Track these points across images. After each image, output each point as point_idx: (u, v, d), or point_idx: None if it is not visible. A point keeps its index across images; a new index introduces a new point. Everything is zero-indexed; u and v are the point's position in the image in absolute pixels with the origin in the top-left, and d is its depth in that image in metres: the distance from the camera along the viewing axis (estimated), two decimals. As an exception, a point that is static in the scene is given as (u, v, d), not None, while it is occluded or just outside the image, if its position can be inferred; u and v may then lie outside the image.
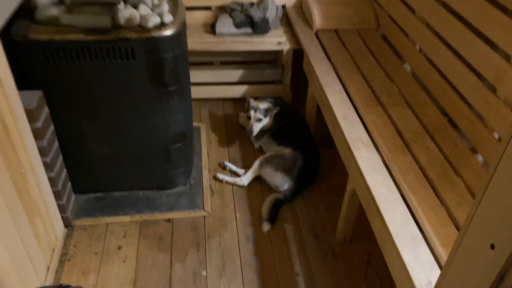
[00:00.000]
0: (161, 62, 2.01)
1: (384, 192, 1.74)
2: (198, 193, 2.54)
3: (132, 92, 2.08)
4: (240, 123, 3.10)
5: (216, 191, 2.57)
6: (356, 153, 1.93)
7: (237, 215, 2.43)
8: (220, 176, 2.62)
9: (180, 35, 2.03)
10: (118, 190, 2.51)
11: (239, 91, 3.26)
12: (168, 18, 1.98)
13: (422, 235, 1.58)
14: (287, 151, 2.60)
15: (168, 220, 2.37)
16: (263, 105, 2.74)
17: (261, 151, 2.86)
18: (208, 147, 2.90)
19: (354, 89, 2.37)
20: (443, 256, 1.51)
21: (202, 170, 2.70)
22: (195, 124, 3.03)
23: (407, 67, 2.71)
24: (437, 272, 1.45)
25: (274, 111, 2.73)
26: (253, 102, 2.77)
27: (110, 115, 2.15)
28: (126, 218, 2.37)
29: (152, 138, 2.28)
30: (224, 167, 2.71)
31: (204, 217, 2.40)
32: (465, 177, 1.83)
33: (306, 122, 2.86)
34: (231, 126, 3.10)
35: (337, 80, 2.45)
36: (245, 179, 2.59)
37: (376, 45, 2.78)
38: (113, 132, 2.22)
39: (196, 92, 3.21)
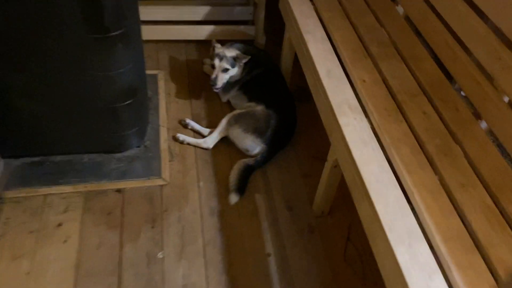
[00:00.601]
0: (97, 1, 1.56)
1: (374, 171, 1.43)
2: (155, 157, 2.18)
3: (62, 38, 1.63)
4: (205, 71, 2.69)
5: (176, 155, 2.21)
6: (342, 120, 1.59)
7: (201, 183, 2.10)
8: (181, 136, 2.26)
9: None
10: (59, 153, 2.12)
11: (204, 32, 2.80)
12: None
13: (420, 228, 1.29)
14: (259, 108, 2.23)
15: (118, 191, 2.03)
16: (231, 53, 2.32)
17: (229, 106, 2.49)
18: (167, 100, 2.50)
19: (339, 37, 1.98)
20: (445, 256, 1.24)
21: (159, 129, 2.32)
22: (151, 71, 2.61)
23: (399, 9, 2.32)
24: (438, 276, 1.19)
25: (244, 60, 2.32)
26: (219, 48, 2.35)
27: (37, 66, 1.71)
28: (68, 188, 2.01)
29: (93, 94, 1.86)
30: (185, 125, 2.34)
31: (161, 186, 2.06)
32: (468, 150, 1.53)
33: (281, 73, 2.47)
34: (194, 74, 2.69)
35: (320, 25, 2.05)
36: (210, 140, 2.23)
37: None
38: (42, 86, 1.79)
39: (153, 33, 2.75)
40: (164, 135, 2.29)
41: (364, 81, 1.77)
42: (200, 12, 2.86)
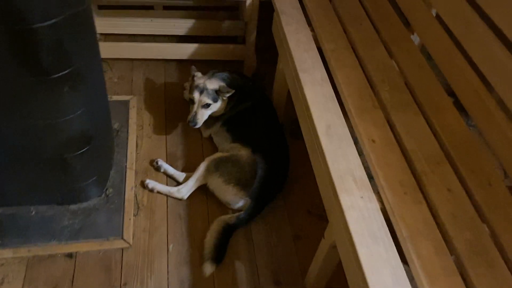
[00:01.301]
0: (29, 37, 1.19)
1: (386, 282, 1.07)
2: (117, 209, 1.82)
3: (-11, 83, 1.27)
4: (185, 98, 2.31)
5: (143, 207, 1.85)
6: (344, 200, 1.23)
7: (170, 247, 1.74)
8: (151, 183, 1.89)
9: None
10: (1, 205, 1.75)
11: (187, 50, 2.42)
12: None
13: None
14: (244, 153, 1.87)
15: (69, 255, 1.67)
16: (213, 84, 1.95)
17: (211, 143, 2.12)
18: (138, 134, 2.12)
19: (343, 78, 1.61)
20: None
21: (125, 172, 1.95)
22: (122, 97, 2.26)
23: (415, 38, 1.95)
24: None
25: (228, 94, 1.95)
26: (199, 79, 1.98)
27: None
28: (7, 253, 1.64)
29: (35, 145, 1.50)
30: (157, 168, 1.97)
31: (122, 250, 1.71)
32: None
33: (272, 107, 2.09)
34: (172, 101, 2.31)
35: (319, 61, 1.67)
36: (185, 190, 1.87)
37: (376, 5, 1.97)
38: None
39: (128, 50, 2.38)
40: (130, 180, 1.92)
41: (373, 141, 1.41)
42: (184, 26, 2.49)
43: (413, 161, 1.36)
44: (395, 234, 1.20)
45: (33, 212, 1.76)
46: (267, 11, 2.19)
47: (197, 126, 1.96)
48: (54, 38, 1.23)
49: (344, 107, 1.53)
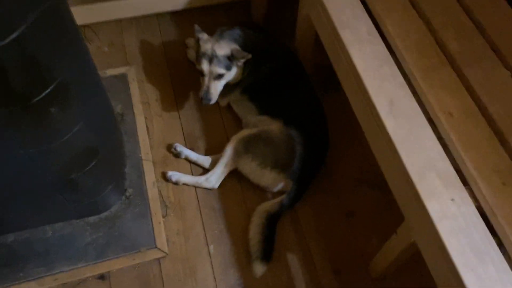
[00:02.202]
0: (-13, 61, 0.86)
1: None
2: (143, 213, 1.59)
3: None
4: (190, 59, 1.96)
5: (170, 204, 1.62)
6: (432, 207, 0.98)
7: (211, 248, 1.54)
8: (174, 176, 1.64)
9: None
10: (12, 230, 1.53)
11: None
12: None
13: None
14: (275, 127, 1.58)
15: (102, 277, 1.48)
16: (224, 49, 1.59)
17: (231, 113, 1.82)
18: (146, 114, 1.82)
19: (394, 27, 1.27)
20: None
21: (142, 165, 1.69)
22: (117, 70, 1.93)
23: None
24: None
25: (244, 59, 1.60)
26: (205, 43, 1.62)
27: None
28: (31, 285, 1.45)
29: (33, 172, 1.23)
30: (177, 155, 1.71)
31: (159, 260, 1.51)
32: None
33: (299, 63, 1.75)
34: (177, 65, 1.97)
35: (361, 7, 1.32)
36: (214, 178, 1.62)
37: None
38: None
39: (112, 10, 1.98)
40: (150, 174, 1.67)
41: (450, 114, 1.11)
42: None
43: (505, 134, 1.08)
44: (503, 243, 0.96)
45: (50, 233, 1.54)
46: None
47: (212, 102, 1.65)
48: (21, 55, 0.90)
49: (401, 67, 1.21)
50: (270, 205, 1.55)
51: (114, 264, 1.49)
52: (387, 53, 1.21)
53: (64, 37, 1.03)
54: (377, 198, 1.62)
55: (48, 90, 1.00)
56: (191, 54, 1.94)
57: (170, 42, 2.03)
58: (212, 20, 2.06)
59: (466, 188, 1.02)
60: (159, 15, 2.09)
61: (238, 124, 1.78)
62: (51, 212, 1.49)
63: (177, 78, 1.92)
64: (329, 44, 1.35)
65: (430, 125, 1.10)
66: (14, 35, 0.85)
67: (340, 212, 1.61)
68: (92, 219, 1.56)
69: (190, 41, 1.98)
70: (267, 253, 1.48)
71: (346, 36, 1.24)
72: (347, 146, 1.74)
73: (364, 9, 1.30)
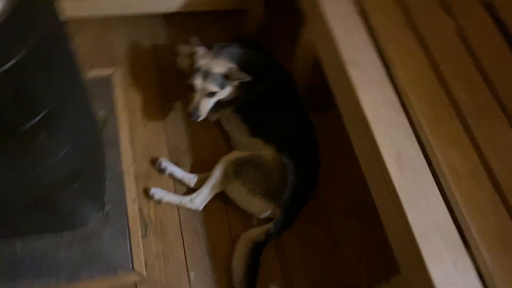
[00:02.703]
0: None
1: None
2: (121, 231, 1.51)
3: None
4: (179, 69, 1.87)
5: (151, 224, 1.54)
6: (434, 270, 0.96)
7: (191, 275, 1.48)
8: (157, 193, 1.56)
9: (26, 12, 0.74)
10: (-27, 241, 1.41)
11: (173, 1, 1.90)
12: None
13: None
14: (268, 152, 1.53)
15: (74, 300, 1.39)
16: (220, 67, 1.52)
17: (220, 129, 1.76)
18: (130, 123, 1.73)
19: (405, 72, 1.24)
20: None
21: (123, 179, 1.60)
22: (101, 71, 1.83)
23: None
24: None
25: (240, 80, 1.53)
26: (202, 58, 1.54)
27: None
28: (-6, 306, 1.35)
29: (11, 194, 1.12)
30: (161, 170, 1.63)
31: (136, 284, 1.44)
32: None
33: (295, 87, 1.69)
34: (165, 71, 1.87)
35: (371, 47, 1.27)
36: (199, 200, 1.55)
37: None
38: None
39: (100, 6, 1.85)
40: (131, 189, 1.58)
41: (456, 172, 1.09)
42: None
43: (508, 200, 1.07)
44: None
45: (19, 247, 1.43)
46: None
47: (200, 119, 1.58)
48: (12, 86, 0.80)
49: (408, 114, 1.18)
50: (256, 233, 1.50)
51: (88, 286, 1.41)
52: (396, 99, 1.18)
53: (60, 62, 0.94)
54: (363, 228, 1.61)
55: (37, 118, 0.90)
56: (181, 62, 1.85)
57: (159, 46, 1.93)
58: (205, 27, 1.98)
59: (468, 251, 1.01)
60: (150, 16, 1.98)
61: (227, 141, 1.72)
62: (23, 224, 1.38)
63: (165, 85, 1.83)
64: (335, 81, 1.31)
65: (435, 180, 1.08)
66: (7, 65, 0.76)
67: (326, 243, 1.59)
68: (66, 234, 1.47)
69: (181, 48, 1.88)
70: (250, 284, 1.44)
71: (356, 77, 1.20)
72: (335, 174, 1.71)
73: (375, 50, 1.26)
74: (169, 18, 1.98)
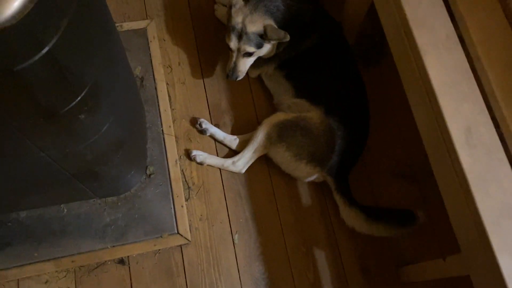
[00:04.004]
0: (15, 81, 0.69)
1: None
2: (164, 195, 1.49)
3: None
4: (218, 18, 1.74)
5: (194, 186, 1.52)
6: (504, 262, 0.89)
7: (235, 237, 1.47)
8: (199, 156, 1.52)
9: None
10: (25, 208, 1.43)
11: None
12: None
13: None
14: (314, 114, 1.43)
15: (121, 262, 1.41)
16: (256, 25, 1.38)
17: (262, 86, 1.66)
18: (167, 79, 1.65)
19: (478, 33, 1.08)
20: None
21: (164, 140, 1.56)
22: (134, 24, 1.72)
23: None
24: None
25: (278, 40, 1.40)
26: (236, 14, 1.40)
27: None
28: (49, 267, 1.39)
29: (55, 170, 1.09)
30: (202, 131, 1.57)
31: (181, 248, 1.44)
32: None
33: (345, 42, 1.55)
34: (202, 22, 1.75)
35: (441, 2, 1.11)
36: (242, 163, 1.50)
37: None
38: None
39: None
40: (172, 151, 1.54)
41: (532, 150, 0.98)
42: None
43: None
44: None
45: (65, 211, 1.44)
46: None
47: (239, 79, 1.48)
48: (52, 69, 0.73)
49: (482, 87, 1.05)
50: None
51: (133, 249, 1.42)
52: (467, 66, 1.04)
53: (98, 34, 0.85)
54: (414, 194, 1.54)
55: (78, 98, 0.84)
56: (220, 10, 1.72)
57: (195, -4, 1.79)
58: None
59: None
60: (183, -41, 1.81)
61: (269, 100, 1.63)
62: (68, 194, 1.38)
63: (203, 38, 1.71)
64: (396, 41, 1.17)
65: (509, 160, 0.98)
66: (45, 50, 0.68)
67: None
68: (110, 199, 1.46)
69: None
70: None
71: (422, 38, 1.06)
72: (383, 129, 1.61)
73: (444, 5, 1.10)
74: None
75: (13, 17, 0.58)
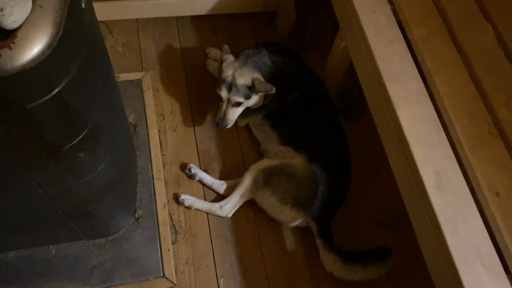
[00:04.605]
0: (26, 118, 0.77)
1: None
2: (152, 237, 1.53)
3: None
4: (209, 71, 1.87)
5: (181, 230, 1.56)
6: (474, 298, 0.94)
7: (221, 281, 1.49)
8: (187, 200, 1.57)
9: (68, 45, 0.73)
10: (14, 247, 1.45)
11: (204, 3, 1.88)
12: (18, 15, 0.65)
13: None
14: (298, 161, 1.52)
15: (106, 305, 1.42)
16: (244, 78, 1.50)
17: (250, 134, 1.75)
18: (160, 127, 1.73)
19: (444, 87, 1.20)
20: None
21: (153, 185, 1.61)
22: (131, 76, 1.82)
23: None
24: None
25: (263, 92, 1.52)
26: (227, 68, 1.53)
27: None
28: (31, 308, 1.39)
29: (48, 207, 1.14)
30: (191, 176, 1.63)
31: (167, 292, 1.46)
32: None
33: (327, 94, 1.67)
34: (195, 74, 1.87)
35: (411, 61, 1.24)
36: (229, 207, 1.56)
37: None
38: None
39: (129, 9, 1.85)
40: (161, 195, 1.59)
41: (497, 194, 1.07)
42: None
43: (552, 223, 1.04)
44: None
45: (53, 252, 1.46)
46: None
47: (228, 127, 1.58)
48: (60, 108, 0.81)
49: (448, 134, 1.15)
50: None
51: (120, 292, 1.43)
52: (436, 116, 1.15)
53: (101, 80, 0.94)
54: (396, 241, 1.59)
55: (80, 137, 0.91)
56: (212, 65, 1.84)
57: (189, 49, 1.92)
58: (235, 29, 1.97)
59: (508, 277, 0.99)
60: (179, 18, 1.97)
61: (256, 147, 1.71)
62: (58, 233, 1.41)
63: (195, 89, 1.82)
64: (372, 94, 1.28)
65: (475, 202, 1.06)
66: (56, 90, 0.76)
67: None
68: (98, 241, 1.49)
69: (211, 51, 1.88)
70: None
71: (395, 92, 1.17)
72: (367, 183, 1.69)
73: (414, 63, 1.23)
74: (198, 20, 1.97)
75: (33, 60, 0.67)
